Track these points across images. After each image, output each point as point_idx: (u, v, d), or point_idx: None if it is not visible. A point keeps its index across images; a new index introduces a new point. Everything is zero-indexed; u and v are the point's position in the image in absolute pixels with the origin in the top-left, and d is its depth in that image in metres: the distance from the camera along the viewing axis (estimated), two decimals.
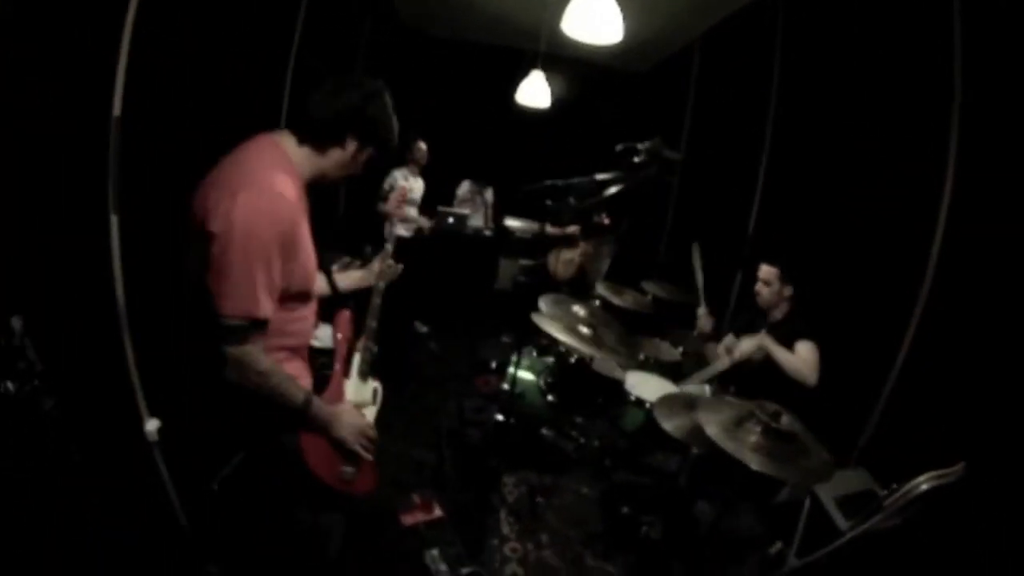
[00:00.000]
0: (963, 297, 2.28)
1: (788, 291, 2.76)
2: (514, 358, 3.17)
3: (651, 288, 3.73)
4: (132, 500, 2.09)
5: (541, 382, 3.13)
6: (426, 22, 5.38)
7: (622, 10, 2.48)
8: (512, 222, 4.89)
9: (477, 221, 5.20)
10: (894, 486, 1.82)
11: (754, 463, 1.71)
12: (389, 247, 2.03)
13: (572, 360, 3.15)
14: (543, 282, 4.45)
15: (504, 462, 3.11)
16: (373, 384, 1.90)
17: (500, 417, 3.05)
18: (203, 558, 2.15)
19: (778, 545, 2.25)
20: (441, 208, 4.87)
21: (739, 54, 4.10)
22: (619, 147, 2.37)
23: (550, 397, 3.06)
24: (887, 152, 2.78)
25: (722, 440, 1.79)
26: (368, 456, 1.71)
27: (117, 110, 1.83)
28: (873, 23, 2.88)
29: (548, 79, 4.19)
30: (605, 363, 3.14)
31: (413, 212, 4.53)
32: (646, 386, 2.93)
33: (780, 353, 2.59)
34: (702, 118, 4.76)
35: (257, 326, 1.39)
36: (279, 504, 1.74)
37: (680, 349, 3.52)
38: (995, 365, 2.09)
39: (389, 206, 2.05)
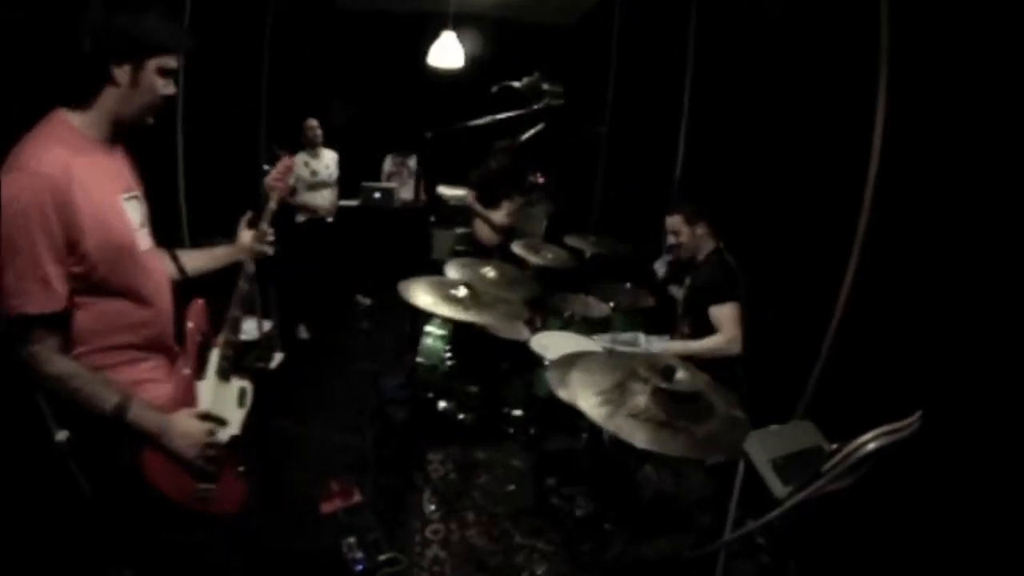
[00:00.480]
0: (902, 236, 2.14)
1: (701, 229, 2.61)
2: (432, 327, 3.06)
3: (580, 243, 3.62)
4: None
5: (443, 352, 3.01)
6: None
7: None
8: (445, 190, 4.71)
9: (407, 194, 5.01)
10: (834, 446, 1.55)
11: (639, 439, 1.50)
12: (270, 209, 1.79)
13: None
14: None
15: (429, 439, 2.99)
16: (240, 384, 1.63)
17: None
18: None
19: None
20: (365, 184, 4.69)
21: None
22: (494, 88, 2.32)
23: (448, 366, 2.92)
24: (813, 95, 2.62)
25: (598, 414, 1.58)
26: (209, 469, 1.45)
27: None
28: None
29: (462, 39, 3.97)
30: (509, 326, 2.99)
31: (327, 194, 4.39)
32: (559, 346, 2.73)
33: (690, 348, 2.50)
34: (627, 70, 4.59)
35: (40, 322, 1.21)
36: (132, 531, 1.50)
37: (611, 304, 3.38)
38: (944, 303, 1.94)
39: (269, 179, 1.88)
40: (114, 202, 1.35)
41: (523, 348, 2.81)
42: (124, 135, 1.42)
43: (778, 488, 1.66)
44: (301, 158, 4.21)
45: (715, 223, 2.65)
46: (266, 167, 1.79)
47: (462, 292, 2.39)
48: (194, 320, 1.53)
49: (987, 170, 1.82)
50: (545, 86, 2.24)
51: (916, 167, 2.08)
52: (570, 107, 4.94)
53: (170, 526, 1.50)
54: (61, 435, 1.64)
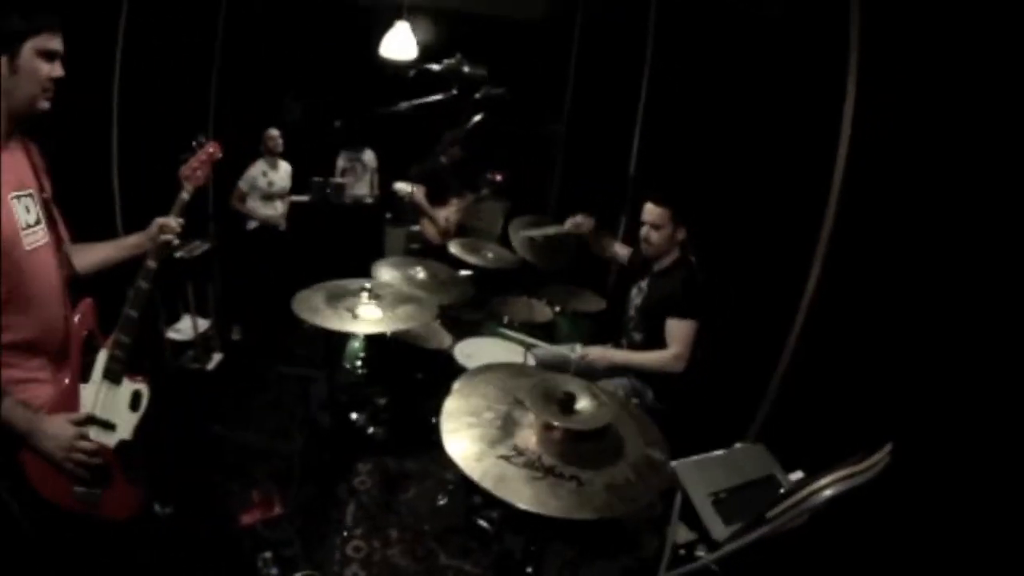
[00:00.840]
0: (867, 246, 2.04)
1: (682, 234, 2.44)
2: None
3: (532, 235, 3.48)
4: None
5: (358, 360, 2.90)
6: None
7: None
8: (401, 186, 4.59)
9: (361, 189, 4.88)
10: (781, 491, 1.35)
11: (523, 499, 1.26)
12: (182, 199, 1.70)
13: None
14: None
15: (359, 447, 2.90)
16: (133, 387, 1.59)
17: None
18: None
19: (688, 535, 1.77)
20: (315, 179, 4.56)
21: None
22: (411, 73, 2.29)
23: (360, 374, 2.83)
24: (775, 94, 2.53)
25: (474, 469, 1.32)
26: (79, 473, 1.44)
27: None
28: None
29: (416, 31, 3.84)
30: (425, 328, 2.86)
31: (279, 205, 4.36)
32: (484, 355, 2.54)
33: (633, 360, 2.41)
34: (588, 67, 4.50)
35: None
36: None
37: (557, 308, 3.29)
38: (911, 317, 1.84)
39: (185, 168, 1.75)
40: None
41: (444, 357, 2.69)
42: (22, 129, 1.40)
43: (718, 528, 1.39)
44: (260, 167, 4.19)
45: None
46: (183, 156, 1.76)
47: (364, 298, 2.28)
48: (80, 318, 1.51)
49: (955, 181, 1.74)
50: (466, 68, 2.17)
51: (883, 178, 1.99)
52: (528, 104, 4.84)
53: (59, 528, 1.49)
54: None
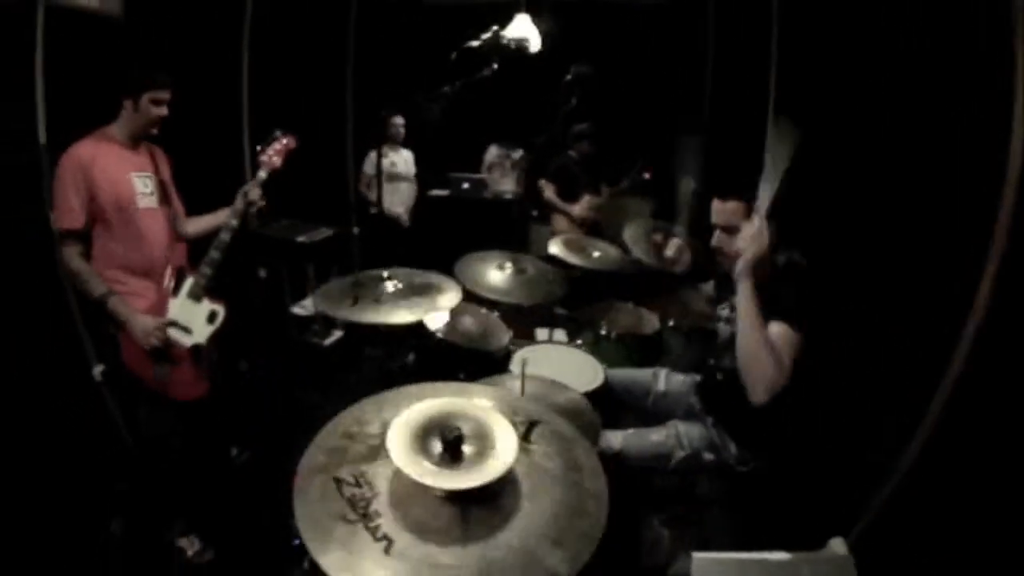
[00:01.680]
0: None
1: (767, 233, 1.71)
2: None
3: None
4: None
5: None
6: None
7: None
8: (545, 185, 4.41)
9: (507, 185, 4.77)
10: None
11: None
12: (259, 177, 2.22)
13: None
14: None
15: None
16: (211, 306, 2.15)
17: None
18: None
19: None
20: (453, 174, 4.58)
21: None
22: (453, 55, 2.31)
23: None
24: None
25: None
26: (151, 349, 2.04)
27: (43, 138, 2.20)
28: None
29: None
30: (481, 327, 2.54)
31: (404, 187, 4.41)
32: (546, 365, 2.10)
33: (756, 325, 1.61)
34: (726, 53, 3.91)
35: (66, 235, 2.02)
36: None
37: (670, 322, 2.75)
38: None
39: (263, 154, 2.15)
40: (124, 175, 2.09)
41: (496, 359, 2.33)
42: (143, 138, 2.19)
43: None
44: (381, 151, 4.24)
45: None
46: (259, 146, 2.21)
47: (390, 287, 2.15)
48: (175, 257, 2.20)
49: None
50: (503, 41, 1.97)
51: None
52: (661, 97, 4.29)
53: (142, 402, 2.20)
54: (97, 369, 2.42)
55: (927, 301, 1.80)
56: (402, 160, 4.41)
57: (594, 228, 3.87)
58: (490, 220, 4.61)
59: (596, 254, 2.90)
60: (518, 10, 3.57)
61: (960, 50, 1.73)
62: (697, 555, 1.13)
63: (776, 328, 1.60)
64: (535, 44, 3.65)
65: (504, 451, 1.04)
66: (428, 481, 0.99)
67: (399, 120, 4.23)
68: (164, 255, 2.17)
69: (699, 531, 1.99)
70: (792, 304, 1.63)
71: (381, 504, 1.02)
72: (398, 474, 1.03)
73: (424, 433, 1.08)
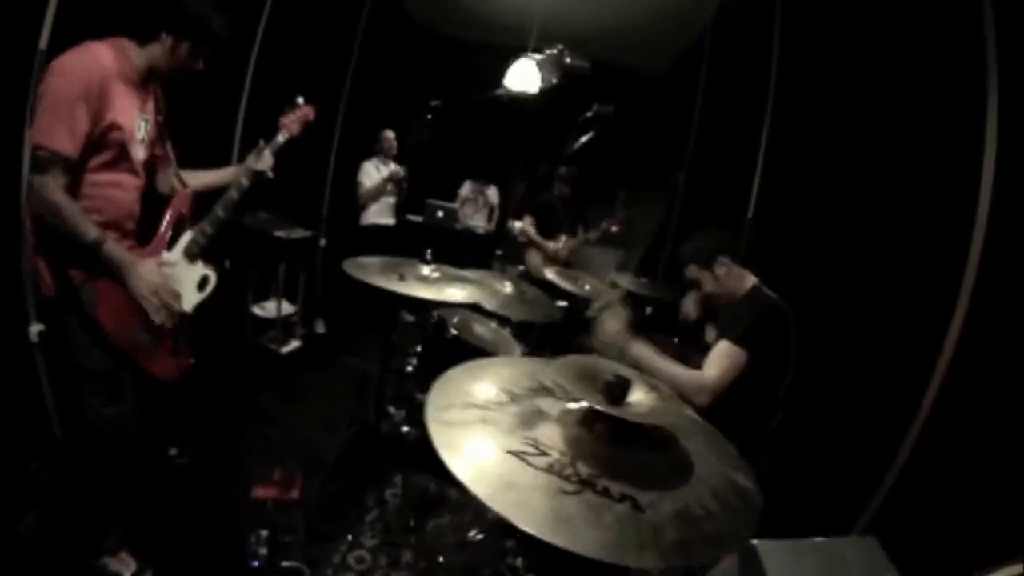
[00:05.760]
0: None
1: (721, 267, 2.04)
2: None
3: (630, 284, 3.19)
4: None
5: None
6: (435, 18, 5.27)
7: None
8: (516, 224, 4.52)
9: (478, 220, 4.85)
10: None
11: (541, 521, 0.80)
12: (277, 141, 1.99)
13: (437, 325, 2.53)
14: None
15: (405, 459, 2.59)
16: (204, 271, 1.85)
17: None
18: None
19: None
20: (430, 201, 4.60)
21: (745, 41, 3.64)
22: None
23: (409, 369, 2.52)
24: (901, 144, 2.17)
25: (458, 462, 0.90)
26: (157, 317, 1.67)
27: (44, 44, 1.81)
28: None
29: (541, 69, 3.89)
30: (494, 333, 2.53)
31: (392, 201, 4.33)
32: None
33: (660, 368, 1.88)
34: (712, 117, 4.28)
35: (56, 160, 1.51)
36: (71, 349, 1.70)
37: None
38: None
39: (285, 117, 2.04)
40: (131, 110, 1.67)
41: None
42: (159, 78, 1.75)
43: None
44: (373, 163, 4.21)
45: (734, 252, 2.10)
46: (285, 107, 2.02)
47: (428, 270, 2.09)
48: (177, 201, 1.83)
49: None
50: (567, 60, 2.04)
51: None
52: (648, 155, 4.61)
53: (110, 373, 1.70)
54: (35, 328, 1.94)
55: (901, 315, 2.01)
56: (392, 172, 4.30)
57: (564, 267, 3.98)
58: (459, 251, 4.64)
59: (587, 287, 2.99)
60: (523, 53, 3.81)
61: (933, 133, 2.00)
62: (758, 542, 1.18)
63: (721, 346, 1.87)
64: (534, 87, 3.86)
65: (647, 396, 1.03)
66: (634, 419, 0.95)
67: (390, 134, 4.21)
68: (136, 212, 1.77)
69: None
70: (744, 328, 1.87)
71: (582, 466, 0.90)
72: (569, 432, 0.98)
73: (583, 380, 1.02)
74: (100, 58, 1.55)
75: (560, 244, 3.87)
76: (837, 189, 2.52)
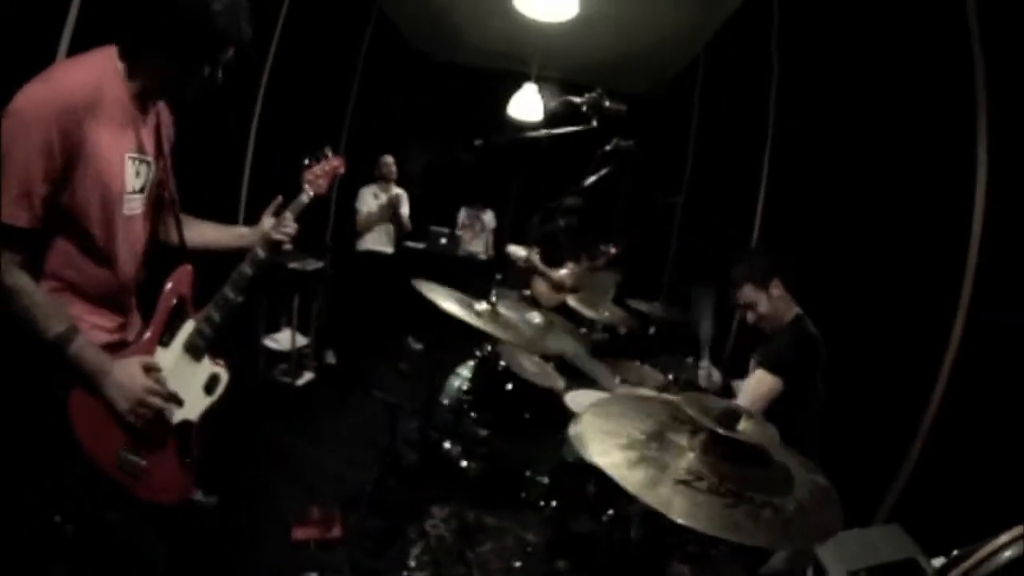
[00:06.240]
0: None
1: (776, 289, 2.08)
2: (463, 370, 2.78)
3: (646, 307, 3.27)
4: None
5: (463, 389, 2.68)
6: (429, 45, 5.37)
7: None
8: (514, 249, 4.58)
9: (477, 246, 4.91)
10: (955, 553, 1.15)
11: (679, 512, 0.98)
12: (301, 200, 1.62)
13: (489, 358, 2.67)
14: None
15: (439, 490, 2.60)
16: (213, 368, 1.48)
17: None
18: None
19: None
20: (433, 228, 4.64)
21: (738, 65, 3.84)
22: (554, 102, 2.27)
23: (464, 405, 2.57)
24: (899, 162, 2.32)
25: (630, 480, 1.06)
26: (138, 426, 1.30)
27: None
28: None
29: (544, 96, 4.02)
30: (539, 367, 2.62)
31: (392, 228, 4.30)
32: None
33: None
34: (707, 139, 4.46)
35: (10, 234, 1.14)
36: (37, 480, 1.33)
37: (670, 376, 2.96)
38: None
39: (309, 172, 1.66)
40: (118, 155, 1.29)
41: (554, 400, 2.41)
42: (161, 97, 1.41)
43: None
44: (371, 190, 4.20)
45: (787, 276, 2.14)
46: (307, 160, 1.67)
47: (482, 306, 2.10)
48: (175, 283, 1.43)
49: None
50: (607, 103, 2.09)
51: None
52: (648, 177, 4.75)
53: (90, 495, 1.35)
54: None
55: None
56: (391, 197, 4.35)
57: (572, 293, 4.05)
58: (458, 276, 4.69)
59: (606, 313, 3.06)
60: (527, 79, 3.93)
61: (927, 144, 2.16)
62: None
63: (758, 375, 1.95)
64: (538, 115, 3.98)
65: (748, 423, 1.16)
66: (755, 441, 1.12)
67: (389, 159, 4.20)
68: (134, 286, 1.44)
69: (711, 563, 2.09)
70: (784, 358, 1.95)
71: (724, 484, 1.07)
72: (701, 457, 1.14)
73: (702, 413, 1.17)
74: (68, 86, 1.17)
75: (565, 272, 3.94)
76: (838, 208, 2.68)
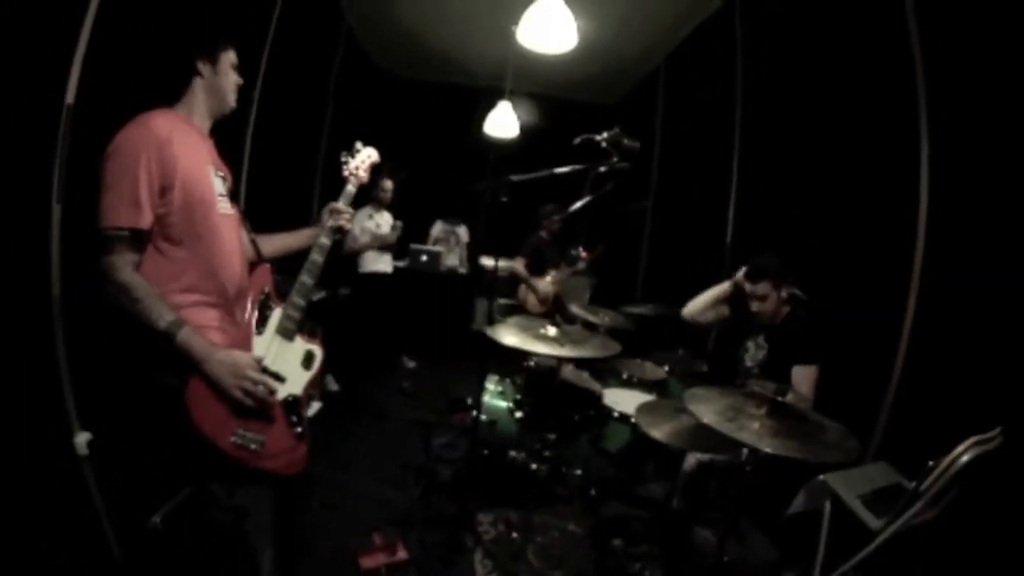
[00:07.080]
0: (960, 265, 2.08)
1: (784, 293, 2.42)
2: (489, 385, 2.97)
3: (637, 308, 3.59)
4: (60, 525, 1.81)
5: (511, 402, 2.89)
6: (396, 63, 5.47)
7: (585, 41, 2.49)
8: (488, 261, 4.75)
9: (453, 260, 5.06)
10: (930, 463, 1.51)
11: (767, 445, 1.51)
12: (348, 192, 1.92)
13: (538, 370, 2.93)
14: None
15: (480, 499, 2.79)
16: (307, 346, 1.72)
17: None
18: None
19: None
20: (413, 246, 4.74)
21: (701, 72, 4.14)
22: (577, 140, 2.32)
23: (519, 415, 2.78)
24: (858, 154, 2.65)
25: (724, 427, 1.59)
26: (248, 401, 1.49)
27: (70, 98, 1.77)
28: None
29: (517, 112, 4.19)
30: (576, 374, 2.92)
31: (387, 257, 4.39)
32: (628, 402, 2.69)
33: None
34: (671, 142, 4.78)
35: (120, 236, 1.43)
36: (161, 462, 1.61)
37: (666, 368, 3.30)
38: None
39: (351, 165, 1.97)
40: (204, 168, 1.59)
41: (593, 401, 2.70)
42: (217, 119, 1.71)
43: (872, 521, 1.61)
44: (367, 211, 4.24)
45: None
46: (343, 158, 1.97)
47: (552, 331, 2.36)
48: (257, 280, 1.69)
49: None
50: (625, 141, 2.28)
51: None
52: (614, 183, 5.06)
53: (212, 474, 1.56)
54: (81, 438, 1.85)
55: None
56: (386, 223, 4.39)
57: (556, 300, 4.29)
58: (442, 292, 4.84)
59: (607, 319, 3.33)
60: (501, 99, 4.09)
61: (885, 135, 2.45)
62: (825, 475, 1.75)
63: (801, 371, 2.27)
64: (514, 132, 4.15)
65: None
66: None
67: (389, 184, 4.26)
68: (241, 277, 1.67)
69: (735, 528, 2.42)
70: (808, 349, 2.30)
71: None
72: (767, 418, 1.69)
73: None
74: (155, 122, 1.47)
75: (548, 280, 4.18)
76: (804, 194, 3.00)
